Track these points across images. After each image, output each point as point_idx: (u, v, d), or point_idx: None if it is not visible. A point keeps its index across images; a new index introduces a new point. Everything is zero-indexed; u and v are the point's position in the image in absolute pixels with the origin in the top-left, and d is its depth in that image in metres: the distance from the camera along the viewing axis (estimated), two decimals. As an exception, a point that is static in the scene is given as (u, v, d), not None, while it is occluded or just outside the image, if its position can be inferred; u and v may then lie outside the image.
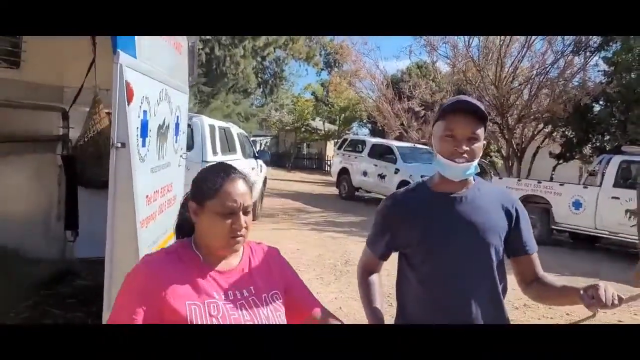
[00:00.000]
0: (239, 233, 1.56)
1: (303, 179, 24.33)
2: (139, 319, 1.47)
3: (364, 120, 27.99)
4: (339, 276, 7.00)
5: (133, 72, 2.86)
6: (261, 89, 31.23)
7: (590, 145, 14.79)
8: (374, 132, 27.11)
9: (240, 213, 1.56)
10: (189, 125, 5.97)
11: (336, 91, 27.50)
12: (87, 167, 4.59)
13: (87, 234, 4.64)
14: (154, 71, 3.43)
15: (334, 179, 17.61)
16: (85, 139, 4.65)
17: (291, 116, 32.59)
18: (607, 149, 13.22)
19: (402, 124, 18.66)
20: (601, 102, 14.32)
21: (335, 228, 10.99)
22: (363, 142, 16.82)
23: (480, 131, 1.75)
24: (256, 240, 1.77)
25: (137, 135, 3.01)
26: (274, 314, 1.60)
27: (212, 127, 8.07)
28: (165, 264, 1.56)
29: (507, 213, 1.80)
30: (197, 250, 1.60)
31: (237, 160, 9.17)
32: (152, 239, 3.31)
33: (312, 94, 34.81)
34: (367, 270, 1.98)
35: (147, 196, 3.24)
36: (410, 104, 18.36)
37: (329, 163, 27.62)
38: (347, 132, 28.94)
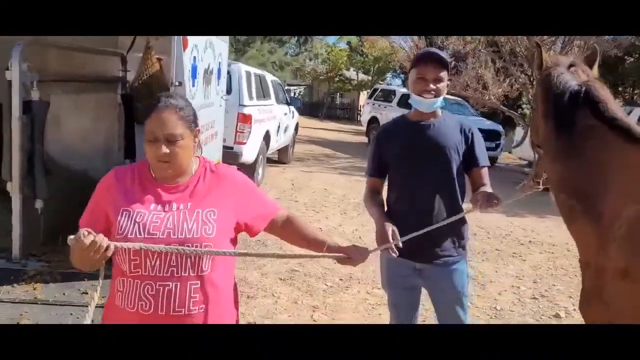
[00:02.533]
0: (161, 160, 1.69)
1: (334, 128, 24.86)
2: (93, 215, 1.75)
3: (397, 71, 28.03)
4: (361, 212, 7.68)
5: (187, 24, 3.51)
6: (296, 38, 31.37)
7: (620, 98, 14.82)
8: (406, 83, 27.22)
9: (162, 142, 1.68)
10: (227, 72, 6.62)
11: (370, 41, 27.51)
12: (142, 106, 5.32)
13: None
14: (202, 23, 4.07)
15: (364, 127, 18.11)
16: (140, 81, 5.35)
17: (325, 66, 32.73)
18: (639, 102, 13.30)
19: (433, 75, 18.85)
20: (632, 56, 14.27)
21: (361, 173, 11.55)
22: (393, 92, 17.19)
23: (444, 74, 2.34)
24: (230, 168, 1.94)
25: (189, 76, 3.68)
26: (199, 227, 1.70)
27: (248, 74, 8.68)
28: (121, 176, 1.78)
29: (464, 135, 2.42)
30: (152, 169, 1.78)
31: (270, 105, 9.81)
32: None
33: (347, 44, 34.74)
34: (371, 190, 2.60)
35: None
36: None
37: (360, 113, 27.99)
38: (380, 82, 29.06)
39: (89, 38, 5.65)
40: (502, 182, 11.58)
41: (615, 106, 1.86)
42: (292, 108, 12.01)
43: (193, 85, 3.84)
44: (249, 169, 8.40)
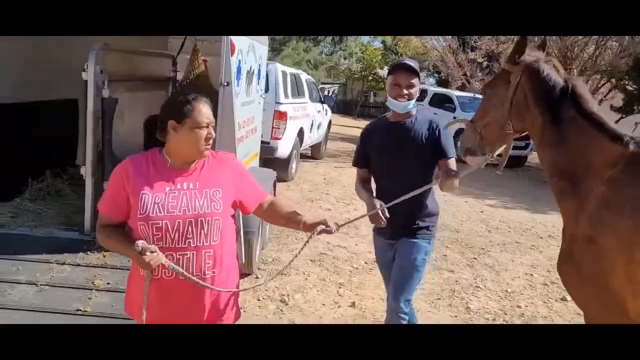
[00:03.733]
0: (209, 141, 2.01)
1: (367, 126, 25.20)
2: (113, 199, 2.01)
3: (431, 70, 28.24)
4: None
5: (234, 32, 4.05)
6: (331, 38, 31.86)
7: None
8: (439, 82, 27.38)
9: (209, 127, 2.02)
10: (265, 72, 7.18)
11: (403, 41, 27.77)
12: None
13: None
14: (246, 30, 4.62)
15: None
16: (187, 81, 5.95)
17: (359, 65, 33.12)
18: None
19: (465, 75, 19.06)
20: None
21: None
22: (425, 91, 17.48)
23: (415, 80, 2.82)
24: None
25: (234, 77, 4.22)
26: (208, 203, 1.99)
27: (284, 73, 9.23)
28: (136, 164, 2.03)
29: (432, 131, 2.85)
30: (167, 157, 2.04)
31: (305, 103, 10.33)
32: (241, 155, 4.56)
33: (381, 43, 35.01)
34: (360, 179, 3.05)
35: (239, 123, 4.48)
36: (474, 55, 18.67)
37: (393, 112, 28.18)
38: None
39: (144, 42, 6.31)
40: (532, 181, 11.87)
41: (592, 102, 2.23)
42: (325, 106, 12.50)
43: (237, 85, 4.37)
44: (284, 163, 8.94)
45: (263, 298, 4.43)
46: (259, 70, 5.68)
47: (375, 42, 35.44)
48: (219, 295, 2.08)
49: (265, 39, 6.20)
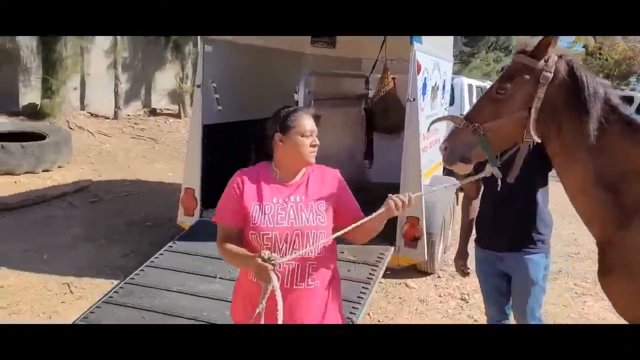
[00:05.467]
0: (314, 148, 2.06)
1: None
2: (233, 209, 2.06)
3: (642, 75, 25.35)
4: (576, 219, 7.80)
5: (420, 53, 4.54)
6: (524, 46, 30.40)
7: None
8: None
9: (314, 135, 2.07)
10: (451, 86, 7.52)
11: (607, 44, 25.38)
12: (379, 118, 6.54)
13: (378, 164, 6.66)
14: (431, 49, 5.08)
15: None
16: (377, 97, 6.61)
17: (556, 72, 31.00)
18: None
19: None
20: None
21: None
22: (630, 99, 15.87)
23: None
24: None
25: (420, 93, 4.69)
26: (314, 217, 2.03)
27: (470, 86, 9.44)
28: (248, 177, 2.10)
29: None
30: (276, 169, 2.11)
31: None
32: (425, 164, 4.99)
33: (582, 47, 32.36)
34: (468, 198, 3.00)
35: (423, 134, 4.94)
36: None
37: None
38: (622, 87, 26.52)
39: (339, 63, 7.15)
40: None
41: (624, 106, 2.09)
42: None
43: (423, 100, 4.84)
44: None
45: (444, 295, 4.79)
46: (444, 85, 6.08)
47: (576, 47, 32.85)
48: (325, 306, 2.09)
49: (449, 55, 6.59)
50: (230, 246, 2.04)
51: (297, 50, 6.77)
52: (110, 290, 4.13)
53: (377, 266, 4.25)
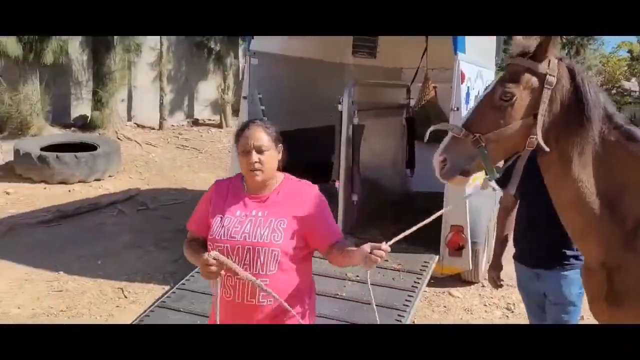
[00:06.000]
0: (252, 168, 1.97)
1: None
2: (200, 218, 2.10)
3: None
4: None
5: (464, 63, 4.57)
6: (566, 50, 29.78)
7: None
8: None
9: (253, 152, 1.96)
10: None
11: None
12: (420, 126, 6.56)
13: (420, 173, 6.67)
14: (474, 58, 5.10)
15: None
16: (419, 106, 6.63)
17: (600, 77, 30.21)
18: None
19: None
20: None
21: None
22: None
23: None
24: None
25: (463, 102, 4.71)
26: (269, 234, 1.95)
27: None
28: (221, 188, 2.11)
29: None
30: (244, 182, 2.09)
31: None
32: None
33: (627, 52, 31.41)
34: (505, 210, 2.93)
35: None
36: None
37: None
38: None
39: (380, 73, 7.22)
40: None
41: (620, 117, 1.99)
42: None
43: (466, 109, 4.85)
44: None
45: (489, 304, 4.77)
46: (486, 94, 6.07)
47: (620, 52, 31.93)
48: (282, 317, 2.01)
49: (491, 64, 6.57)
50: (190, 244, 2.13)
51: (339, 60, 6.87)
52: (163, 295, 4.30)
53: (421, 274, 4.28)
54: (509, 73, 2.00)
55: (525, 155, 2.00)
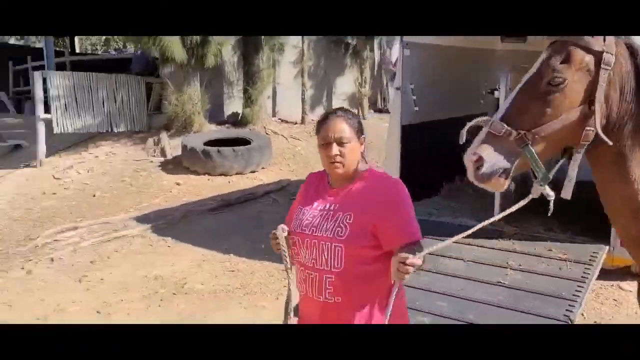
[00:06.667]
0: (334, 159, 1.90)
1: None
2: (291, 209, 2.09)
3: None
4: None
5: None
6: None
7: None
8: None
9: (334, 144, 1.89)
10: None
11: None
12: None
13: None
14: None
15: None
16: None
17: None
18: None
19: None
20: None
21: None
22: None
23: None
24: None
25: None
26: (334, 228, 1.87)
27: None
28: (311, 180, 2.10)
29: None
30: (328, 174, 2.03)
31: None
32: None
33: None
34: None
35: None
36: None
37: None
38: None
39: (534, 58, 6.93)
40: None
41: None
42: None
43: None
44: None
45: None
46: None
47: None
48: (350, 317, 1.90)
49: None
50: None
51: (488, 47, 6.72)
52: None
53: (591, 265, 4.10)
54: (555, 52, 1.70)
55: (581, 152, 1.71)
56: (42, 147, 9.43)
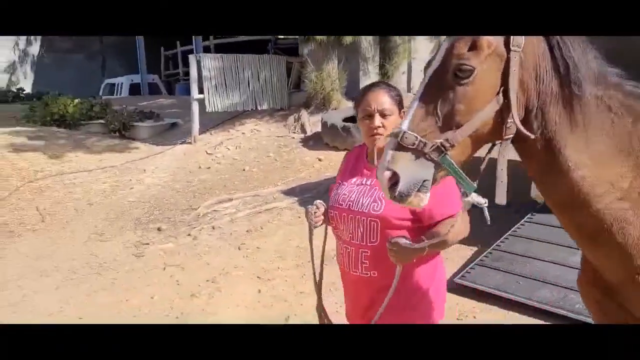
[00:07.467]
0: (375, 131, 1.88)
1: None
2: (333, 184, 2.11)
3: None
4: None
5: None
6: None
7: None
8: None
9: (377, 115, 1.87)
10: None
11: None
12: None
13: None
14: None
15: None
16: None
17: None
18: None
19: None
20: None
21: None
22: None
23: None
24: None
25: None
26: (370, 203, 1.88)
27: None
28: (350, 155, 2.11)
29: None
30: (368, 149, 2.01)
31: None
32: None
33: None
34: None
35: None
36: None
37: None
38: None
39: None
40: None
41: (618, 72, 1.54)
42: None
43: None
44: None
45: None
46: None
47: None
48: (384, 292, 1.86)
49: None
50: None
51: None
52: (481, 255, 4.52)
53: None
54: (459, 40, 1.44)
55: (506, 149, 1.48)
56: (196, 125, 10.25)
